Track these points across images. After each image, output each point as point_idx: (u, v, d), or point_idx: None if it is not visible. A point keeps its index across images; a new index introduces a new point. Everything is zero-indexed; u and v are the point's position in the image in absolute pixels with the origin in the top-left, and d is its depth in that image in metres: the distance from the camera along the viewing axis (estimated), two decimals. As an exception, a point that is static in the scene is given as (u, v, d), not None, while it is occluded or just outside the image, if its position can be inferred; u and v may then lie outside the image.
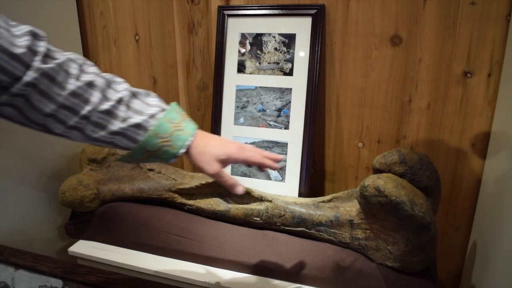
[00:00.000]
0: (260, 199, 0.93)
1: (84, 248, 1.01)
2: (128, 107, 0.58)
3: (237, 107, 1.09)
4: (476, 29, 0.90)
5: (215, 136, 0.66)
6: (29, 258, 0.85)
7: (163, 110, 0.60)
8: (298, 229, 0.90)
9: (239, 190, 0.66)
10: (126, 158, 0.61)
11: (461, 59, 0.93)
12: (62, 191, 0.99)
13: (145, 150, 0.59)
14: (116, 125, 0.57)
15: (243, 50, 1.07)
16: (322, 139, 1.10)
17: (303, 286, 0.86)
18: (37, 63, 0.51)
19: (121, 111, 0.57)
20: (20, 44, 0.50)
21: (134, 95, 0.60)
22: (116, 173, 1.08)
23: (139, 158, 0.61)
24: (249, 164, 0.67)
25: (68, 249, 1.01)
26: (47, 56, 0.53)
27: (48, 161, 1.11)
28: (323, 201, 0.92)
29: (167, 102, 1.27)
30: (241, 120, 1.09)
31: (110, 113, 0.57)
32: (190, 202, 0.98)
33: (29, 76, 0.50)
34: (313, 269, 0.85)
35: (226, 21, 1.08)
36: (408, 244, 0.76)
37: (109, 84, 0.58)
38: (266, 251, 0.89)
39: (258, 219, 0.92)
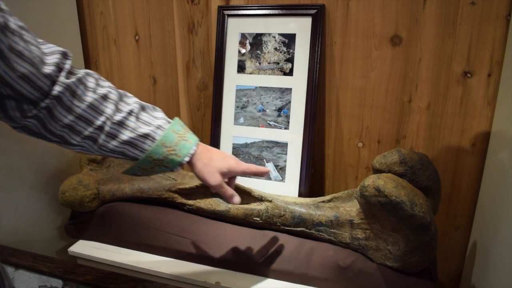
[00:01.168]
0: (260, 199, 0.93)
1: (84, 248, 1.01)
2: (138, 118, 0.63)
3: (237, 107, 1.09)
4: (476, 29, 0.90)
5: (216, 149, 0.71)
6: (29, 258, 0.85)
7: (169, 122, 0.66)
8: (298, 229, 0.90)
9: (236, 200, 0.71)
10: (133, 169, 0.66)
11: (461, 59, 0.93)
12: (62, 191, 0.99)
13: (152, 159, 0.64)
14: (126, 135, 0.61)
15: (243, 50, 1.07)
16: (322, 139, 1.10)
17: (303, 286, 0.86)
18: (62, 78, 0.56)
19: (131, 122, 0.62)
20: (50, 62, 0.55)
21: (143, 108, 0.65)
22: (116, 173, 1.08)
23: (146, 168, 0.66)
24: (245, 174, 0.74)
25: (68, 249, 1.01)
26: (70, 73, 0.58)
27: (48, 161, 1.11)
28: (323, 201, 0.92)
29: (167, 102, 1.27)
30: (241, 120, 1.09)
31: (121, 124, 0.61)
32: (190, 202, 0.98)
33: (56, 90, 0.55)
34: (313, 269, 0.85)
35: (226, 21, 1.08)
36: (408, 244, 0.76)
37: (121, 97, 0.64)
38: (266, 251, 0.89)
39: (258, 219, 0.92)
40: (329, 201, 0.92)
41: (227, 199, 0.71)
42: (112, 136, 0.61)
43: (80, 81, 0.59)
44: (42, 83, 0.54)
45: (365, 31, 0.99)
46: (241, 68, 1.08)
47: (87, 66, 1.27)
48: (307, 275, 0.85)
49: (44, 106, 0.55)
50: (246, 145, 1.08)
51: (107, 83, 0.64)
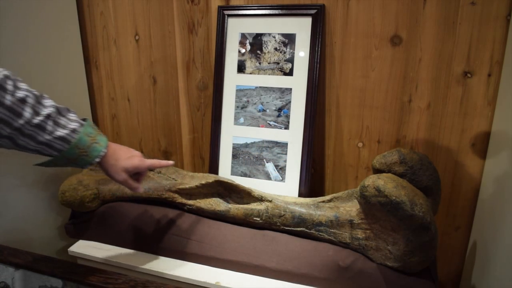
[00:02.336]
0: (260, 199, 0.93)
1: (84, 248, 1.01)
2: (55, 122, 0.67)
3: (237, 107, 1.09)
4: (476, 29, 0.90)
5: (123, 149, 0.80)
6: (29, 258, 0.85)
7: (82, 125, 0.71)
8: (298, 229, 0.90)
9: (140, 190, 0.82)
10: (47, 163, 0.72)
11: (461, 59, 0.93)
12: (62, 191, 0.99)
13: (65, 158, 0.70)
14: (44, 137, 0.66)
15: (243, 50, 1.07)
16: (322, 139, 1.10)
17: (303, 286, 0.86)
18: None
19: (49, 126, 0.66)
20: None
21: (59, 112, 0.69)
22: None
23: (59, 164, 0.72)
24: (150, 169, 0.89)
25: (68, 249, 1.01)
26: None
27: (48, 161, 1.11)
28: (323, 201, 0.92)
29: (167, 102, 1.27)
30: (241, 120, 1.09)
31: (39, 127, 0.65)
32: (190, 202, 0.98)
33: None
34: (313, 269, 0.85)
35: (226, 21, 1.08)
36: (408, 244, 0.76)
37: (38, 100, 0.67)
38: (266, 251, 0.89)
39: (258, 219, 0.92)
40: (329, 201, 0.92)
41: (132, 190, 0.81)
42: (30, 137, 0.65)
43: None
44: None
45: (365, 31, 0.99)
46: (241, 68, 1.08)
47: (87, 66, 1.27)
48: (307, 275, 0.85)
49: None
50: (246, 145, 1.08)
51: (25, 85, 0.66)
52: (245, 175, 1.08)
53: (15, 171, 1.02)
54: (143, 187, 1.01)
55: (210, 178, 0.98)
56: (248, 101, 1.08)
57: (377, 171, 0.85)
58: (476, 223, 1.01)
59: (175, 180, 1.02)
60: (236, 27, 1.07)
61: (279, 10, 1.02)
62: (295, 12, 1.01)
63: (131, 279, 0.78)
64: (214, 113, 1.11)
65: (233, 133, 1.09)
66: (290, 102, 1.04)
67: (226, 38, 1.08)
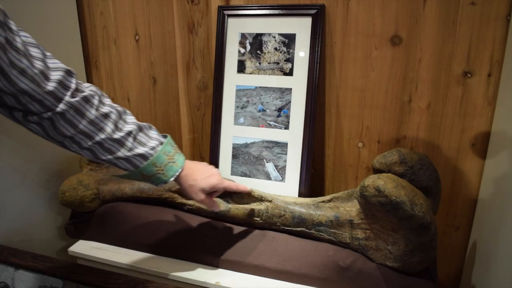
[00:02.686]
0: (260, 199, 0.93)
1: (84, 248, 1.01)
2: (135, 139, 0.69)
3: (237, 107, 1.09)
4: (476, 29, 0.90)
5: (200, 168, 0.80)
6: (29, 258, 0.85)
7: (161, 143, 0.73)
8: (298, 229, 0.90)
9: (216, 209, 0.84)
10: (124, 177, 0.74)
11: (461, 59, 0.93)
12: (62, 191, 0.99)
13: (141, 174, 0.72)
14: (123, 153, 0.68)
15: (243, 50, 1.07)
16: (322, 139, 1.10)
17: (303, 286, 0.86)
18: (67, 97, 0.61)
19: (129, 142, 0.68)
20: (53, 79, 0.59)
21: (140, 129, 0.71)
22: (116, 173, 1.08)
23: (134, 178, 0.74)
24: (227, 191, 0.86)
25: (68, 249, 1.01)
26: (76, 90, 0.62)
27: (48, 161, 1.11)
28: (323, 201, 0.92)
29: (167, 102, 1.27)
30: (241, 120, 1.09)
31: (119, 142, 0.68)
32: (190, 202, 0.98)
33: (60, 108, 0.60)
34: (313, 269, 0.85)
35: (226, 21, 1.08)
36: (408, 244, 0.76)
37: (120, 116, 0.69)
38: (266, 251, 0.89)
39: (258, 219, 0.92)
40: (329, 201, 0.92)
41: (211, 209, 0.84)
42: (109, 151, 0.67)
43: (85, 99, 0.63)
44: (44, 99, 0.58)
45: (365, 31, 0.99)
46: (241, 68, 1.08)
47: (87, 66, 1.27)
48: (307, 275, 0.85)
49: (47, 117, 0.60)
50: (246, 145, 1.08)
51: (109, 101, 0.69)
52: (245, 175, 1.08)
53: (15, 171, 1.02)
54: (143, 187, 1.02)
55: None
56: (248, 101, 1.08)
57: (377, 171, 0.85)
58: (476, 223, 1.01)
59: (175, 180, 1.02)
60: (236, 27, 1.07)
61: (279, 10, 1.02)
62: (295, 12, 1.01)
63: (131, 279, 0.78)
64: (214, 113, 1.11)
65: (233, 133, 1.09)
66: (290, 102, 1.04)
67: (226, 38, 1.08)
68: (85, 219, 1.04)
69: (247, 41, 1.07)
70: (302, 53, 1.02)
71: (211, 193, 0.81)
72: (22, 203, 1.04)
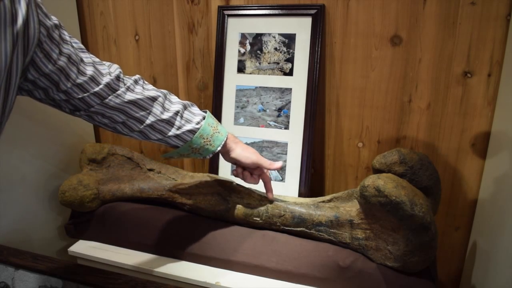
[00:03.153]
0: (260, 199, 0.93)
1: (84, 248, 1.01)
2: (182, 117, 0.76)
3: (237, 107, 1.09)
4: (476, 29, 0.90)
5: (241, 142, 0.87)
6: (29, 258, 0.85)
7: (204, 117, 0.79)
8: (298, 229, 0.90)
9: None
10: (173, 154, 0.80)
11: (461, 59, 0.93)
12: (62, 191, 0.99)
13: (190, 148, 0.78)
14: (172, 131, 0.75)
15: (243, 50, 1.07)
16: (322, 139, 1.10)
17: (303, 286, 0.86)
18: (122, 90, 0.69)
19: (177, 121, 0.75)
20: (112, 75, 0.68)
21: (185, 107, 0.78)
22: (116, 173, 1.08)
23: (183, 154, 0.80)
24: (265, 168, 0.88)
25: (68, 249, 1.01)
26: (122, 82, 0.70)
27: (48, 161, 1.11)
28: (323, 201, 0.92)
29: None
30: (241, 120, 1.09)
31: (169, 122, 0.75)
32: (190, 202, 0.98)
33: (111, 100, 0.68)
34: (313, 269, 0.85)
35: (226, 21, 1.08)
36: (408, 244, 0.76)
37: (165, 97, 0.76)
38: (266, 251, 0.89)
39: (258, 219, 0.92)
40: (329, 201, 0.92)
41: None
42: (160, 132, 0.74)
43: (128, 88, 0.70)
44: (104, 92, 0.66)
45: (365, 31, 0.99)
46: (241, 68, 1.08)
47: (87, 66, 1.27)
48: (307, 275, 0.85)
49: (93, 111, 0.67)
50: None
51: (151, 86, 0.76)
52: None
53: (15, 171, 1.02)
54: (143, 187, 1.02)
55: (210, 178, 0.98)
56: (248, 101, 1.08)
57: (377, 171, 0.85)
58: (476, 223, 1.01)
59: (175, 180, 1.02)
60: (236, 27, 1.07)
61: (279, 10, 1.02)
62: (295, 12, 1.01)
63: (131, 279, 0.78)
64: (214, 113, 1.11)
65: (233, 133, 1.09)
66: (290, 102, 1.04)
67: (226, 38, 1.08)
68: (85, 219, 1.04)
69: (247, 41, 1.07)
70: (302, 53, 1.02)
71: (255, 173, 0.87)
72: (22, 203, 1.04)
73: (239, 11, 1.06)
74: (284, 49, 1.03)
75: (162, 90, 0.76)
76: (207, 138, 0.78)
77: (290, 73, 1.03)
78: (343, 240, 0.86)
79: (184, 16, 1.14)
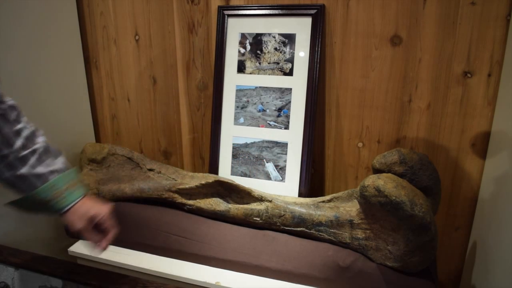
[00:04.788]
0: (260, 199, 0.93)
1: (84, 248, 1.01)
2: (39, 159, 0.68)
3: (237, 107, 1.09)
4: (476, 29, 0.90)
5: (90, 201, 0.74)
6: (29, 258, 0.84)
7: (64, 170, 0.70)
8: (298, 229, 0.90)
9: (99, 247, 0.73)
10: (15, 203, 0.69)
11: (461, 59, 0.93)
12: (62, 191, 0.99)
13: (36, 199, 0.67)
14: (24, 170, 0.66)
15: (243, 50, 1.07)
16: (322, 139, 1.10)
17: (303, 286, 0.86)
18: None
19: (31, 160, 0.67)
20: None
21: (47, 150, 0.70)
22: (116, 173, 1.08)
23: (26, 206, 0.69)
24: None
25: (68, 249, 1.01)
26: None
27: (48, 161, 1.11)
28: (323, 201, 0.92)
29: (167, 102, 1.27)
30: (241, 120, 1.09)
31: (23, 160, 0.66)
32: (190, 202, 0.98)
33: None
34: (313, 269, 0.85)
35: (226, 21, 1.08)
36: (408, 244, 0.76)
37: (33, 134, 0.69)
38: (266, 251, 0.89)
39: (258, 219, 0.92)
40: (329, 201, 0.92)
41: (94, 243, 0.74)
42: (11, 168, 0.66)
43: (3, 112, 0.65)
44: None
45: (365, 31, 0.99)
46: (241, 68, 1.08)
47: (87, 66, 1.27)
48: (307, 275, 0.85)
49: None
50: (246, 145, 1.08)
51: (25, 119, 0.69)
52: (245, 175, 1.08)
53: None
54: (143, 187, 1.01)
55: (210, 178, 0.98)
56: (248, 101, 1.08)
57: (377, 171, 0.85)
58: (476, 223, 1.01)
59: (175, 180, 1.02)
60: (236, 27, 1.07)
61: (279, 10, 1.02)
62: (295, 12, 1.01)
63: (131, 279, 0.78)
64: (214, 113, 1.11)
65: (233, 133, 1.09)
66: (290, 102, 1.04)
67: (226, 38, 1.08)
68: (85, 219, 1.04)
69: (247, 41, 1.07)
70: (302, 53, 1.02)
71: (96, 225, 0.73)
72: (22, 203, 1.04)
73: (239, 11, 1.06)
74: (284, 49, 1.03)
75: (32, 127, 0.69)
76: (58, 191, 0.68)
77: (290, 73, 1.03)
78: (343, 240, 0.86)
79: (184, 16, 1.14)
